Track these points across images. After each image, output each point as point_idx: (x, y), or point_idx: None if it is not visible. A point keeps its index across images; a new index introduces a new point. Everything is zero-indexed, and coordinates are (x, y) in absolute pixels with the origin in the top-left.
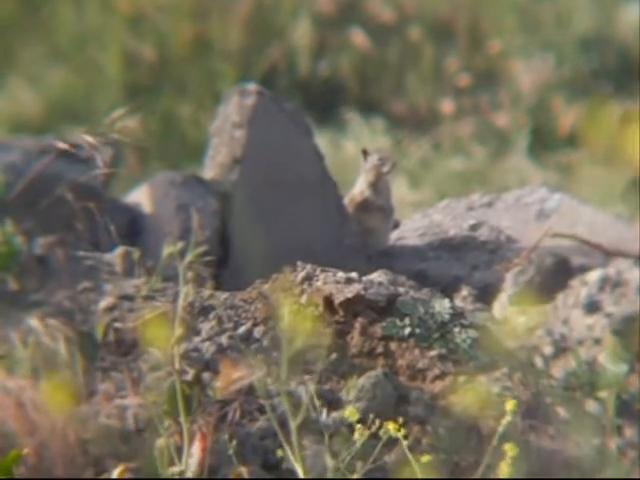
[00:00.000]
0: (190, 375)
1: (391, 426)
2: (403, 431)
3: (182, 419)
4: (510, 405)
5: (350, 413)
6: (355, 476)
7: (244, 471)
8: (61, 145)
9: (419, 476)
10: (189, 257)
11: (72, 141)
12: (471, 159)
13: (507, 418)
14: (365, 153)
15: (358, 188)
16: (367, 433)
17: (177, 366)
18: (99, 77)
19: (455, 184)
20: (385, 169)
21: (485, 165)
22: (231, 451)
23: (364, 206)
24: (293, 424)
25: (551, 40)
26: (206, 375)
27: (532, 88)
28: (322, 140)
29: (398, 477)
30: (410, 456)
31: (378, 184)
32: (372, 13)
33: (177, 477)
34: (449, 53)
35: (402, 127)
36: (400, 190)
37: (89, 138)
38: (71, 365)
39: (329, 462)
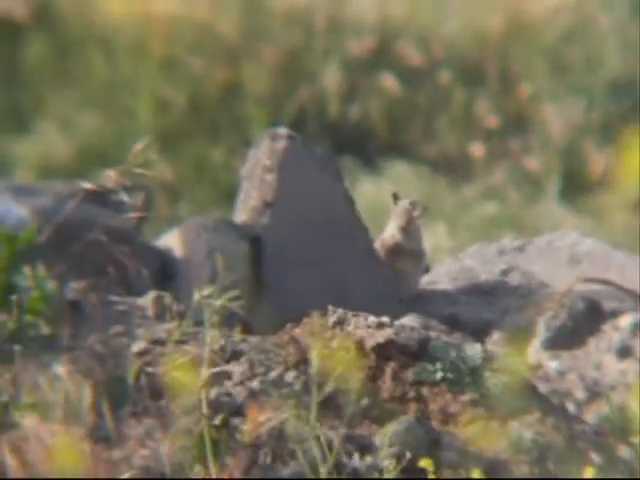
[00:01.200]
0: (218, 420)
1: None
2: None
3: (210, 463)
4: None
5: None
6: None
7: None
8: (91, 186)
9: None
10: (219, 301)
11: (103, 185)
12: (504, 204)
13: None
14: (395, 197)
15: (389, 232)
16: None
17: (205, 410)
18: (130, 122)
19: (489, 229)
20: (416, 213)
21: (518, 209)
22: None
23: (395, 250)
24: (323, 468)
25: (581, 84)
26: (237, 419)
27: (562, 132)
28: (353, 183)
29: None
30: None
31: (409, 228)
32: (402, 57)
33: None
34: (479, 97)
35: (433, 171)
36: (437, 236)
37: (117, 177)
38: (97, 411)
39: None
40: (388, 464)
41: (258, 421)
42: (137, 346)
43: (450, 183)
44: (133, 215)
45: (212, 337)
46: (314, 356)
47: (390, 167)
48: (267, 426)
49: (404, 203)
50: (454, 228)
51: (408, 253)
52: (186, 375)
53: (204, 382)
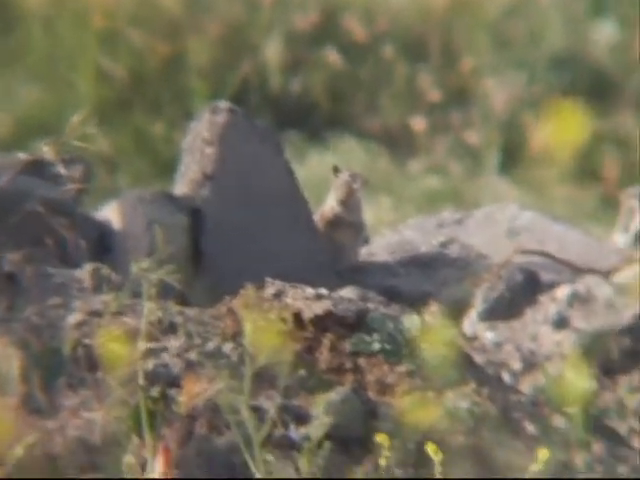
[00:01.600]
0: (155, 391)
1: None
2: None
3: (145, 434)
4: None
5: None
6: None
7: None
8: (29, 158)
9: None
10: (156, 274)
11: (42, 157)
12: (446, 177)
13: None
14: (336, 170)
15: (329, 204)
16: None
17: (141, 382)
18: (70, 94)
19: (431, 202)
20: (356, 186)
21: (459, 183)
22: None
23: (335, 222)
24: (256, 438)
25: (523, 58)
26: (173, 391)
27: (504, 106)
28: (297, 157)
29: None
30: None
31: (349, 201)
32: (346, 31)
33: None
34: (422, 71)
35: (376, 144)
36: (379, 209)
37: (55, 149)
38: (29, 382)
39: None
40: (321, 434)
41: (194, 392)
42: (74, 318)
43: (393, 157)
44: (71, 187)
45: (149, 309)
46: (247, 328)
47: (334, 141)
48: (203, 397)
49: (344, 176)
50: (397, 201)
51: (347, 225)
52: (123, 347)
53: (141, 354)
